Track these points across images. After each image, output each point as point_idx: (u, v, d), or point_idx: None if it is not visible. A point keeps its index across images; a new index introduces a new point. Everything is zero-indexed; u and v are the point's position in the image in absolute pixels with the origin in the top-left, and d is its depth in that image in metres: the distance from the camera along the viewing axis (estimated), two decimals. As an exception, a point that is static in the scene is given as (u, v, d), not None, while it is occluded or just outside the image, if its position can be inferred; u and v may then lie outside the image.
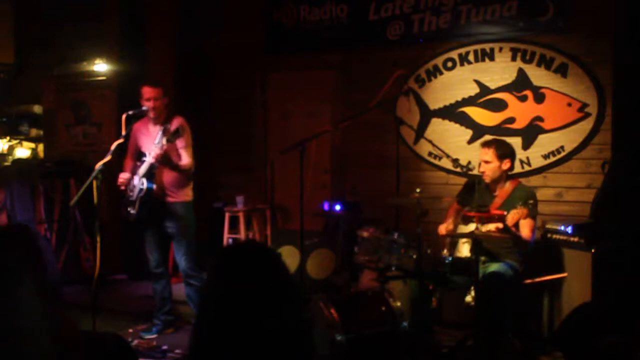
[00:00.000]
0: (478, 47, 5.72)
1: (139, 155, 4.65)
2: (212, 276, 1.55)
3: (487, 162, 4.17)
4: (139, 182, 4.49)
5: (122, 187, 4.58)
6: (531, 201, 3.86)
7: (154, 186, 4.51)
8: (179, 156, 4.59)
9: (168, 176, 4.62)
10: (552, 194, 5.38)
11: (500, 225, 3.79)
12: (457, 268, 3.96)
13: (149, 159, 4.43)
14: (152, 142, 4.55)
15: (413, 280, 4.14)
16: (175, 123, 4.52)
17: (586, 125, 5.28)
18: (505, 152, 4.19)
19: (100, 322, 4.12)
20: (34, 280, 1.34)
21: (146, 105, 4.57)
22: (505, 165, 4.19)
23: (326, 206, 5.90)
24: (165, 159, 4.40)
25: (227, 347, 1.43)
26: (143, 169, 4.49)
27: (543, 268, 4.41)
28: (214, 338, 1.45)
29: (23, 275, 1.29)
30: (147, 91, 4.58)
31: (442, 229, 4.37)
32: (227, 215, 6.44)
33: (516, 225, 3.94)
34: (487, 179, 4.20)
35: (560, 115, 5.37)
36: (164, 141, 4.33)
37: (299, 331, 1.50)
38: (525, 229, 4.00)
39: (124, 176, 4.57)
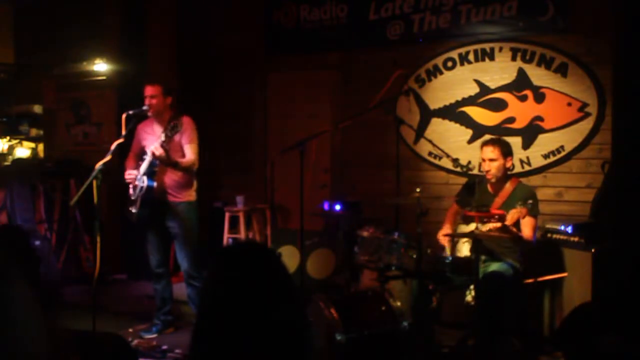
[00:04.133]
0: (478, 46, 5.72)
1: (142, 155, 4.65)
2: (212, 276, 1.55)
3: (492, 160, 4.16)
4: (140, 180, 4.49)
5: (130, 184, 4.58)
6: (530, 201, 3.86)
7: (155, 184, 4.49)
8: (183, 154, 4.57)
9: (171, 176, 4.61)
10: (552, 194, 5.38)
11: (498, 225, 3.78)
12: (457, 268, 3.96)
13: (149, 156, 4.43)
14: (156, 141, 4.54)
15: (413, 280, 4.14)
16: (181, 122, 4.50)
17: (586, 125, 5.28)
18: (508, 150, 4.22)
19: (100, 322, 4.12)
20: (26, 280, 1.34)
21: (145, 103, 4.58)
22: (508, 163, 4.21)
23: (326, 206, 5.89)
24: (165, 157, 4.37)
25: (227, 347, 1.43)
26: (144, 166, 4.48)
27: (543, 268, 4.41)
28: (214, 338, 1.45)
29: (14, 276, 1.29)
30: (146, 88, 4.61)
31: (441, 235, 4.37)
32: (227, 215, 6.44)
33: (517, 224, 3.94)
34: (493, 178, 4.19)
35: (560, 115, 5.37)
36: (163, 137, 4.32)
37: (299, 331, 1.50)
38: (527, 228, 4.00)
39: (131, 172, 4.56)
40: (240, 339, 1.42)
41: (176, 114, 4.66)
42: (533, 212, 3.99)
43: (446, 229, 4.40)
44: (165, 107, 4.65)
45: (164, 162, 4.42)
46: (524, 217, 3.83)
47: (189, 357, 1.51)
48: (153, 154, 4.34)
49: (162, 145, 4.32)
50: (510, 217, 3.76)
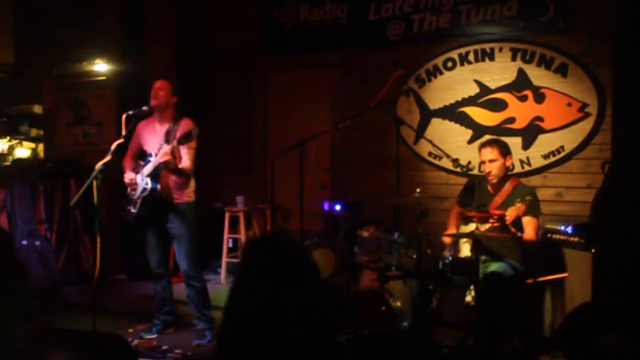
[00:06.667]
0: (478, 47, 5.72)
1: (142, 154, 4.63)
2: (243, 269, 1.57)
3: (492, 160, 4.15)
4: (143, 182, 4.46)
5: (130, 187, 4.56)
6: (529, 197, 3.85)
7: (158, 186, 4.48)
8: (181, 158, 4.55)
9: (171, 177, 4.59)
10: (552, 194, 5.38)
11: (497, 224, 3.77)
12: (457, 268, 3.96)
13: (156, 160, 4.39)
14: (157, 141, 4.52)
15: (413, 280, 4.14)
16: (185, 125, 4.48)
17: (586, 125, 5.28)
18: (506, 149, 4.21)
19: (100, 322, 4.11)
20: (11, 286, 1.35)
21: (152, 96, 4.55)
22: (508, 161, 4.20)
23: (326, 206, 5.90)
24: (172, 164, 4.36)
25: (258, 330, 1.45)
26: (148, 168, 4.44)
27: (543, 268, 4.41)
28: (244, 324, 1.47)
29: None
30: (156, 83, 4.59)
31: (445, 237, 4.36)
32: (227, 215, 6.44)
33: (519, 223, 3.93)
34: (494, 179, 4.18)
35: (560, 115, 5.37)
36: (175, 143, 4.27)
37: (323, 312, 1.54)
38: (529, 229, 3.99)
39: (130, 176, 4.54)
40: (270, 323, 1.45)
41: (178, 114, 4.65)
42: (534, 211, 3.98)
43: (451, 231, 4.39)
44: (169, 105, 4.63)
45: (169, 168, 4.41)
46: (523, 214, 3.81)
47: (217, 341, 1.54)
48: (163, 162, 4.29)
49: (171, 156, 4.29)
50: (509, 214, 3.74)
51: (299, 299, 1.48)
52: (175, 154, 4.44)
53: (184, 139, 4.22)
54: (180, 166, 4.46)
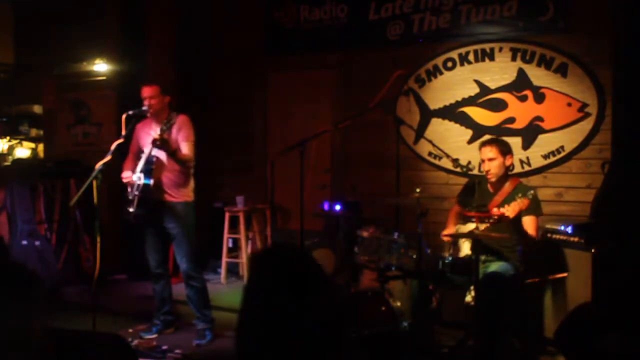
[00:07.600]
0: (478, 47, 5.72)
1: (140, 155, 4.63)
2: (253, 285, 1.56)
3: (491, 159, 4.15)
4: (137, 178, 4.47)
5: (128, 185, 4.56)
6: (532, 192, 3.84)
7: (151, 182, 4.46)
8: (180, 149, 4.56)
9: (168, 175, 4.59)
10: (552, 194, 5.38)
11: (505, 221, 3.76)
12: (457, 268, 3.95)
13: (146, 153, 4.42)
14: None
15: (413, 280, 4.14)
16: (180, 121, 4.50)
17: (586, 125, 5.29)
18: (506, 148, 4.20)
19: (100, 322, 4.11)
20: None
21: (144, 104, 4.56)
22: (508, 161, 4.19)
23: (326, 206, 5.89)
24: (163, 142, 4.34)
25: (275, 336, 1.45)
26: (141, 164, 4.46)
27: (543, 268, 4.41)
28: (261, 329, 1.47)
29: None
30: (144, 90, 4.59)
31: (443, 235, 4.36)
32: (227, 215, 6.44)
33: (519, 221, 3.93)
34: (493, 178, 4.18)
35: (560, 115, 5.37)
36: (159, 131, 4.32)
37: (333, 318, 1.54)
38: (530, 228, 3.98)
39: (127, 174, 4.55)
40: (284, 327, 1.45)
41: (172, 112, 4.66)
42: (536, 210, 3.96)
43: (449, 229, 4.39)
44: (164, 107, 4.64)
45: (164, 148, 4.39)
46: (526, 208, 3.78)
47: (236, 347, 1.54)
48: (154, 139, 4.31)
49: (160, 135, 4.31)
50: (512, 208, 3.71)
51: (314, 305, 1.48)
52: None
53: (165, 126, 4.36)
54: (180, 153, 4.46)
